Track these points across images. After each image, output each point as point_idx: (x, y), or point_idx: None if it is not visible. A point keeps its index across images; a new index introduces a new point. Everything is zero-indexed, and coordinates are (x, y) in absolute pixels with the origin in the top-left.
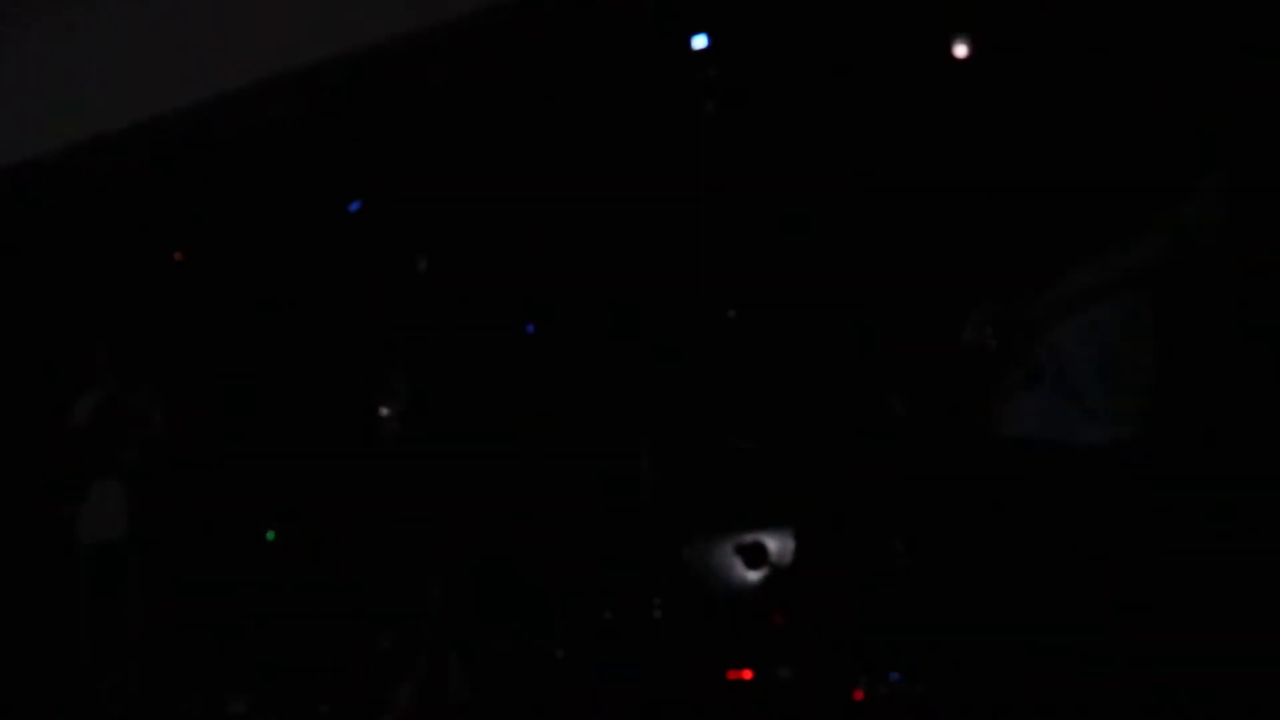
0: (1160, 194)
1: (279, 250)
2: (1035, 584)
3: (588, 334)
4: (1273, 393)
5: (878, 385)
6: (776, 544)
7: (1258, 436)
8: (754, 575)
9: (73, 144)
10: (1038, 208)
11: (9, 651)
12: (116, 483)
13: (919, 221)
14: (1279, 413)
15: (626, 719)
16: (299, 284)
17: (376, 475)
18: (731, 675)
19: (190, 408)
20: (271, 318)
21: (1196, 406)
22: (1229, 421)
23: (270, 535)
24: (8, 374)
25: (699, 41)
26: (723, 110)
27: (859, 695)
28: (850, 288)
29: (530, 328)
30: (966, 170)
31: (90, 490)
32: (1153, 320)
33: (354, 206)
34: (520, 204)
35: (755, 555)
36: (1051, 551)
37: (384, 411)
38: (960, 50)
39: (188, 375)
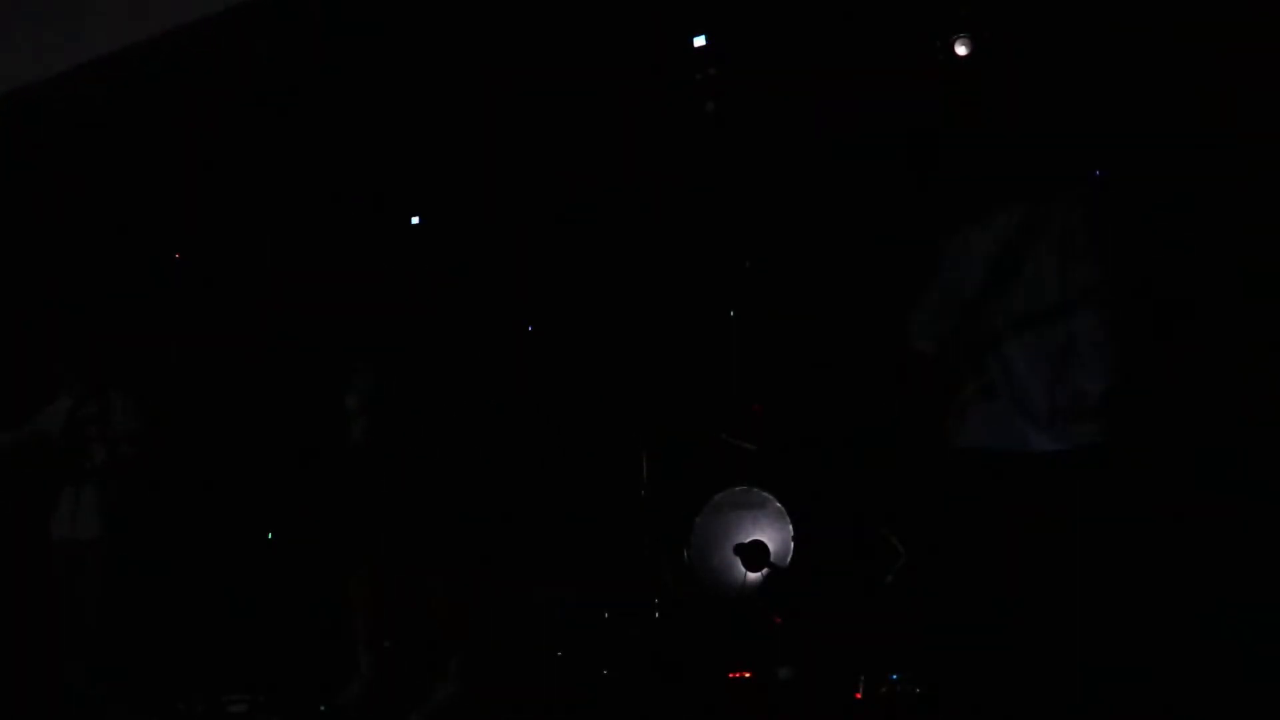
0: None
1: (252, 249)
2: (1007, 586)
3: (587, 333)
4: (1212, 400)
5: (875, 385)
6: (776, 544)
7: (1201, 442)
8: (754, 575)
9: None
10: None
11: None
12: (88, 487)
13: (914, 222)
14: (1219, 419)
15: (627, 719)
16: (272, 282)
17: (362, 474)
18: (732, 675)
19: (159, 410)
20: (244, 318)
21: (1141, 415)
22: (1173, 429)
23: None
24: None
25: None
26: (723, 109)
27: (859, 695)
28: (848, 286)
29: (530, 327)
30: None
31: (62, 494)
32: (1098, 334)
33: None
34: (520, 203)
35: (755, 555)
36: (1014, 553)
37: (351, 404)
38: (961, 49)
39: (156, 378)
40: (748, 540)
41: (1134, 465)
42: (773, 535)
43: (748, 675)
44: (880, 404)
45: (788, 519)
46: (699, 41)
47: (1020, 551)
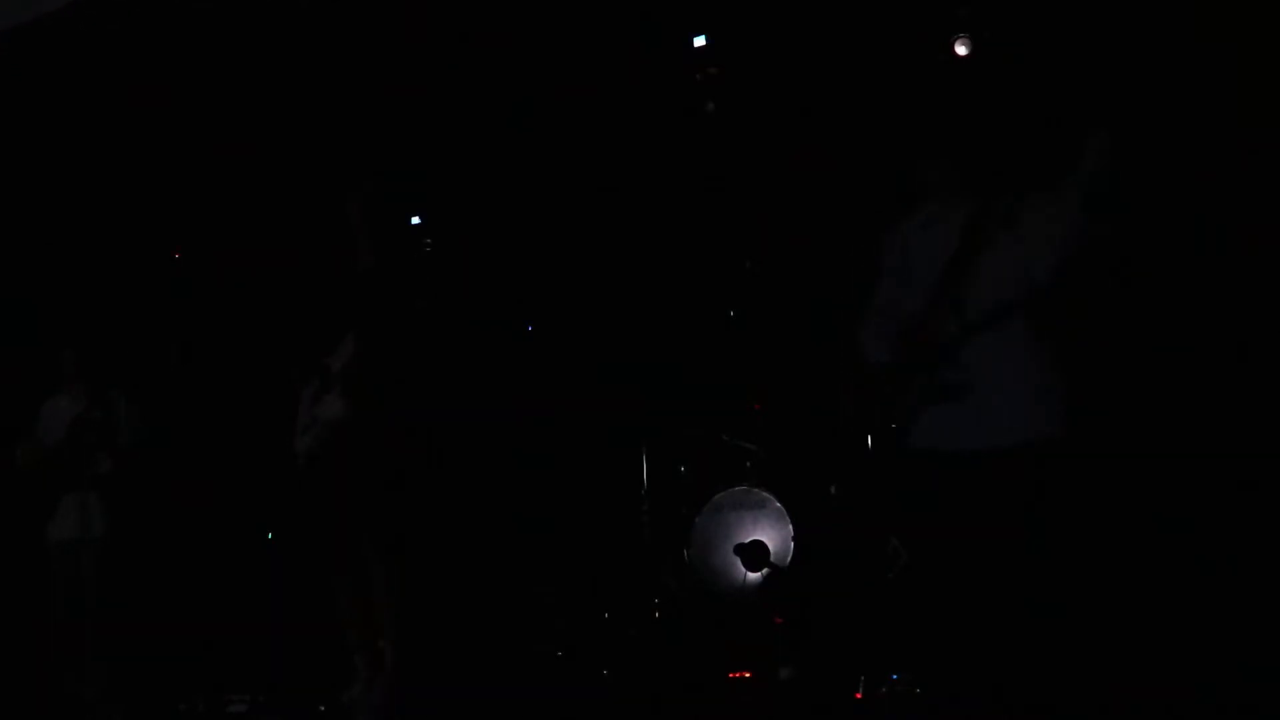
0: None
1: (252, 244)
2: (1003, 585)
3: (588, 333)
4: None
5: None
6: (776, 544)
7: (1160, 432)
8: (754, 575)
9: None
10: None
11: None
12: (90, 489)
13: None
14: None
15: (627, 719)
16: (272, 278)
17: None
18: (731, 675)
19: (159, 411)
20: (242, 317)
21: (1097, 409)
22: (1130, 420)
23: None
24: None
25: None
26: (723, 109)
27: (859, 695)
28: (847, 285)
29: (530, 326)
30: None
31: (63, 496)
32: (1057, 334)
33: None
34: (519, 202)
35: (755, 555)
36: (1003, 552)
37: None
38: (961, 49)
39: (156, 378)
40: (748, 540)
41: (1100, 458)
42: (773, 535)
43: (748, 675)
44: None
45: (788, 519)
46: (699, 41)
47: (1010, 550)
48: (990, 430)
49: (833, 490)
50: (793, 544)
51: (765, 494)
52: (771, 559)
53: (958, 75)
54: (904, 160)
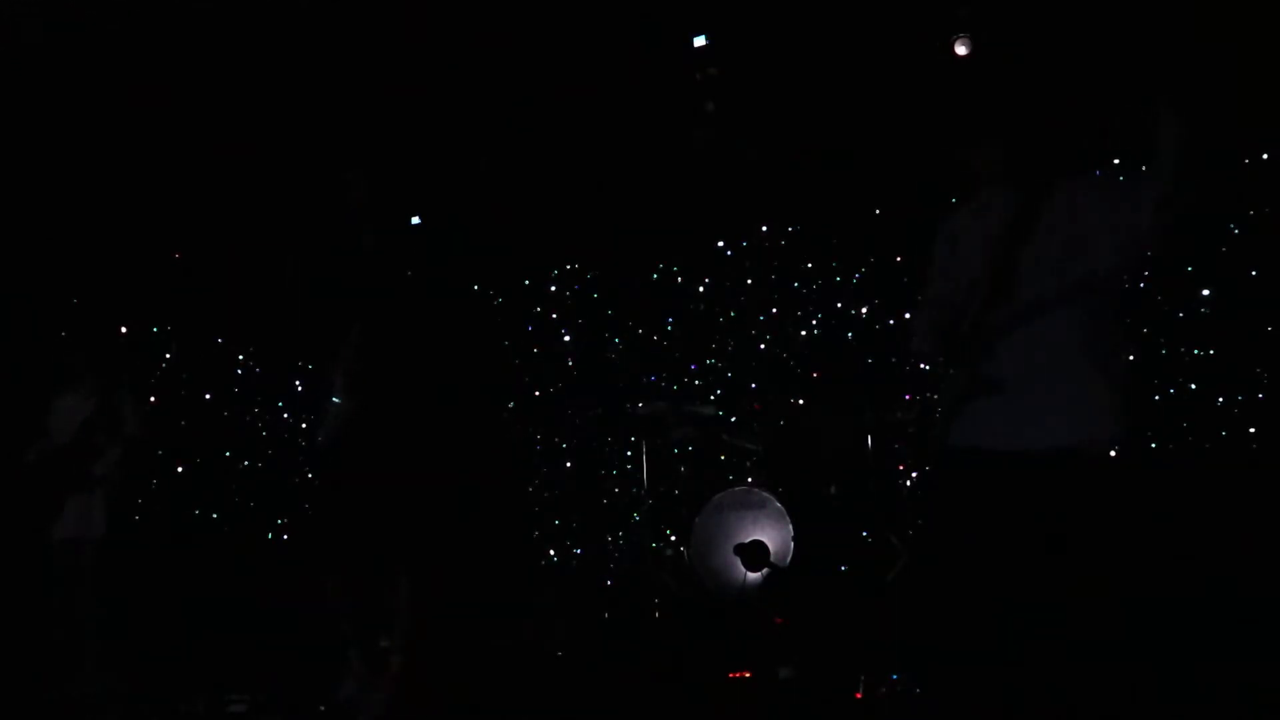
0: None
1: (252, 243)
2: (1019, 583)
3: (588, 333)
4: (1222, 390)
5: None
6: (776, 544)
7: (1209, 434)
8: (754, 575)
9: None
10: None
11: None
12: (95, 488)
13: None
14: (1229, 409)
15: (627, 719)
16: (272, 275)
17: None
18: (732, 675)
19: (164, 410)
20: (241, 316)
21: (1149, 408)
22: (1182, 421)
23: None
24: None
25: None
26: (723, 109)
27: (859, 695)
28: (851, 286)
29: (530, 326)
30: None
31: (68, 495)
32: (1108, 326)
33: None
34: (519, 201)
35: (755, 555)
36: (1026, 551)
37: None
38: (961, 49)
39: (158, 378)
40: (748, 540)
41: (1132, 463)
42: (773, 535)
43: (748, 675)
44: (879, 404)
45: (788, 519)
46: (699, 41)
47: (1019, 550)
48: (1034, 430)
49: (833, 490)
50: (793, 544)
51: (765, 494)
52: (771, 559)
53: (1002, 65)
54: (951, 150)
